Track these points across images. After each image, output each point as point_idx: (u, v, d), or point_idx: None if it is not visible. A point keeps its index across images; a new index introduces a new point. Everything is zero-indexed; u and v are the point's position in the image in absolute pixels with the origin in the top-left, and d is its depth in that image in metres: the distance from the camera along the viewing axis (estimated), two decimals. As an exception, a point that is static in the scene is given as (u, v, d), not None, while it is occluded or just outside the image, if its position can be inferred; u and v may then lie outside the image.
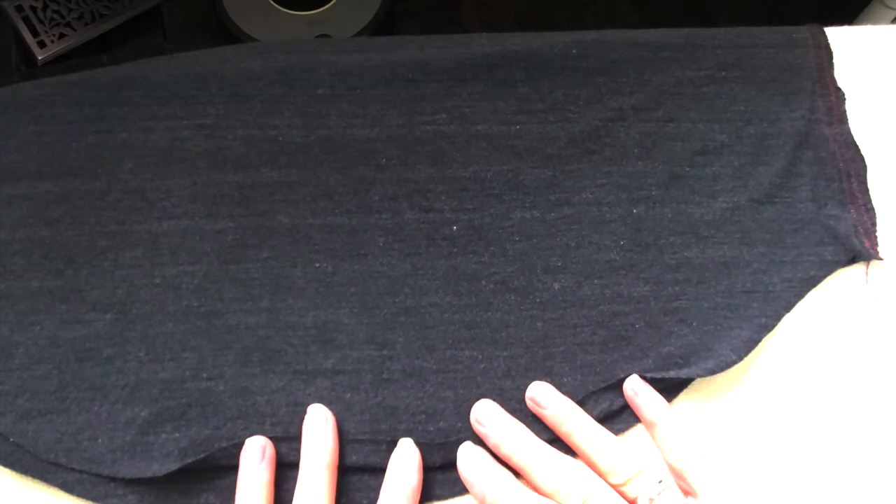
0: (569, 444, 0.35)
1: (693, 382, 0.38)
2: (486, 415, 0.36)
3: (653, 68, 0.45)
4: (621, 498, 0.33)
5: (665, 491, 0.33)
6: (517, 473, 0.35)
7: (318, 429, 0.35)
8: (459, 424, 0.36)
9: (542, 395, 0.36)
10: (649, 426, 0.36)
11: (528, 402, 0.36)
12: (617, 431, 0.36)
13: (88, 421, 0.35)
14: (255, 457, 0.34)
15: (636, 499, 0.33)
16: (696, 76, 0.45)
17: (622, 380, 0.37)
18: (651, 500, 0.33)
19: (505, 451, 0.35)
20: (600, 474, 0.34)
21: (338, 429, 0.36)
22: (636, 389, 0.37)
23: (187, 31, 1.10)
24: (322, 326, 0.38)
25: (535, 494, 0.33)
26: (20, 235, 0.39)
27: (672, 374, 0.37)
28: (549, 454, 0.34)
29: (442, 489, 0.35)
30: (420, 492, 0.34)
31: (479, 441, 0.36)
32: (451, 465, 0.35)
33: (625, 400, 0.37)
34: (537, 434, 0.35)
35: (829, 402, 0.38)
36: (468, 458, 0.35)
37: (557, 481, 0.33)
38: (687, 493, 0.35)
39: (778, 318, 0.38)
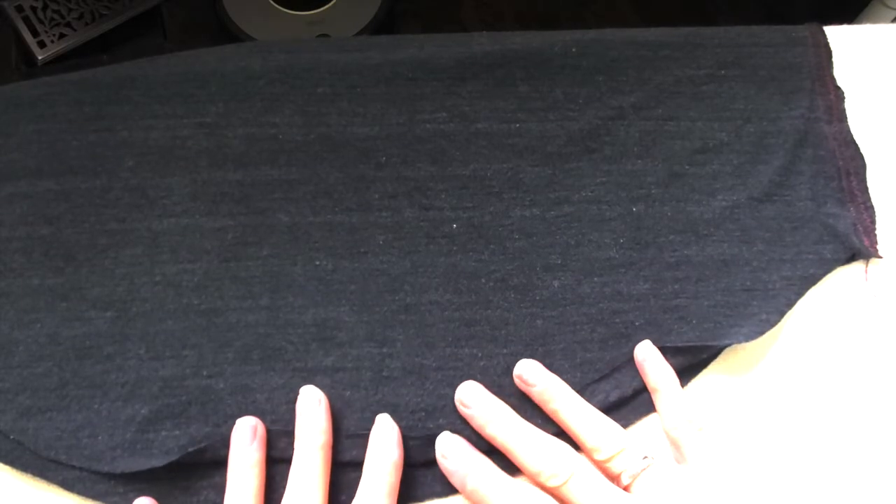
0: (556, 421, 0.36)
1: (690, 382, 0.38)
2: (471, 396, 0.36)
3: (652, 67, 0.45)
4: (604, 476, 0.34)
5: (649, 467, 0.34)
6: (503, 458, 0.35)
7: (311, 410, 0.35)
8: (459, 421, 0.36)
9: (530, 373, 0.36)
10: (652, 392, 0.37)
11: (515, 380, 0.37)
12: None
13: (88, 418, 0.35)
14: (246, 437, 0.34)
15: (620, 475, 0.34)
16: (695, 75, 0.45)
17: (618, 370, 0.37)
18: (633, 476, 0.33)
19: (489, 431, 0.35)
20: (586, 451, 0.35)
21: (337, 424, 0.36)
22: (646, 354, 0.37)
23: (187, 31, 1.10)
24: (322, 324, 0.38)
25: (512, 479, 0.34)
26: (20, 233, 0.39)
27: (683, 343, 0.37)
28: (532, 434, 0.35)
29: (442, 486, 0.35)
30: (402, 466, 0.34)
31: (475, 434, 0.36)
32: None
33: (621, 392, 0.37)
34: (529, 420, 0.36)
35: (827, 400, 0.38)
36: (447, 446, 0.35)
37: (541, 461, 0.33)
38: (680, 462, 0.35)
39: (778, 315, 0.38)
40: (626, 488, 0.34)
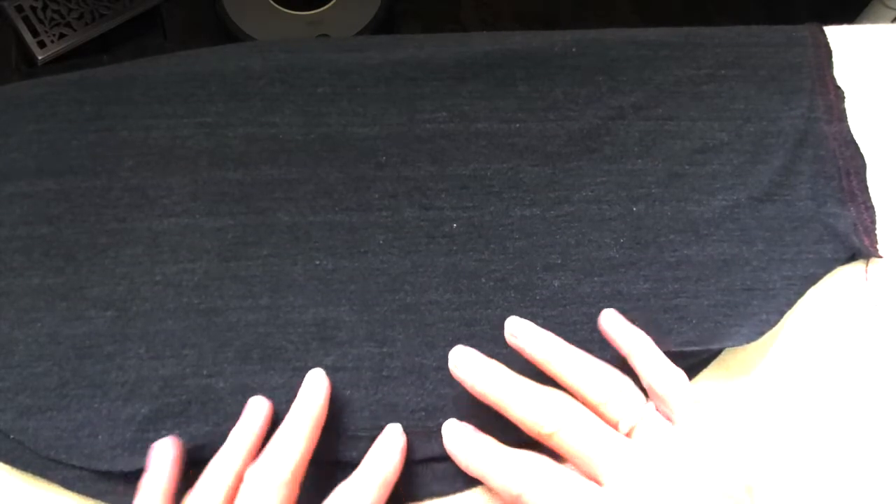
0: (549, 374, 0.34)
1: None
2: (462, 358, 0.35)
3: (652, 67, 0.45)
4: (602, 422, 0.32)
5: (649, 415, 0.32)
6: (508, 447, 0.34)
7: (314, 385, 0.35)
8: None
9: (520, 329, 0.35)
10: (627, 356, 0.35)
11: (507, 337, 0.35)
12: None
13: (89, 418, 0.35)
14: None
15: (618, 422, 0.32)
16: (695, 74, 0.45)
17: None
18: (632, 424, 0.31)
19: (480, 389, 0.34)
20: (580, 398, 0.33)
21: (336, 424, 0.36)
22: (610, 322, 0.36)
23: (187, 31, 1.10)
24: (322, 323, 0.38)
25: (517, 453, 0.33)
26: (21, 233, 0.39)
27: (683, 347, 0.37)
28: (525, 386, 0.33)
29: (442, 485, 0.35)
30: (398, 470, 0.34)
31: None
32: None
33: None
34: None
35: (827, 400, 0.38)
36: (452, 432, 0.35)
37: (536, 412, 0.32)
38: (668, 418, 0.33)
39: (778, 315, 0.38)
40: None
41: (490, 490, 0.34)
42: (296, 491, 0.32)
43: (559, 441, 0.31)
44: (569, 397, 0.33)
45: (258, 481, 0.31)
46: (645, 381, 0.34)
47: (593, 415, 0.32)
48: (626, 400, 0.32)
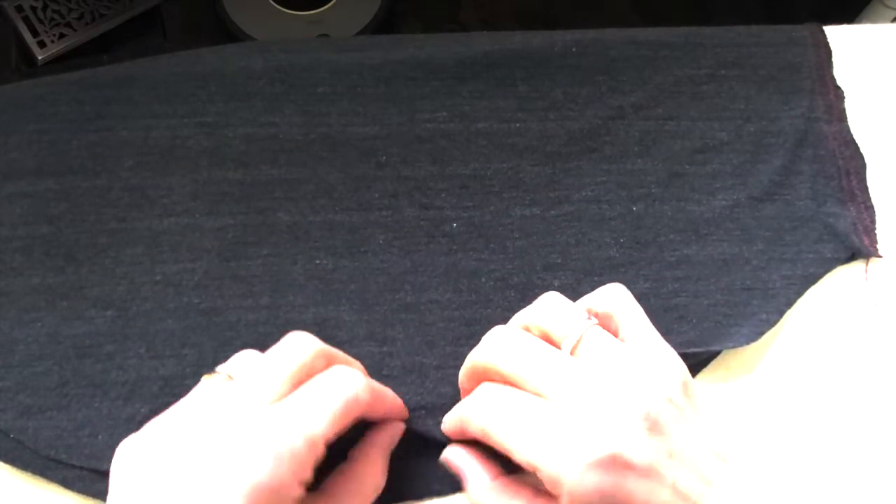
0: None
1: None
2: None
3: (652, 67, 0.45)
4: (544, 344, 0.31)
5: (591, 330, 0.31)
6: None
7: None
8: (459, 420, 0.36)
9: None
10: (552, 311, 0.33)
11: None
12: None
13: (89, 417, 0.35)
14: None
15: (563, 340, 0.31)
16: (695, 74, 0.45)
17: None
18: (577, 342, 0.30)
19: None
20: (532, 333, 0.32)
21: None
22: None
23: (187, 31, 1.10)
24: (322, 323, 0.38)
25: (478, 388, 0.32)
26: (21, 233, 0.39)
27: (682, 349, 0.37)
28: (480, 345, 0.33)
29: (441, 485, 0.35)
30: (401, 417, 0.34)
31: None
32: None
33: None
34: None
35: (827, 400, 0.38)
36: (447, 420, 0.34)
37: (486, 351, 0.32)
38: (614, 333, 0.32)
39: (778, 314, 0.38)
40: None
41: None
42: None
43: (508, 372, 0.31)
44: (512, 328, 0.32)
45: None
46: (592, 310, 0.33)
47: (536, 340, 0.31)
48: (567, 318, 0.31)
